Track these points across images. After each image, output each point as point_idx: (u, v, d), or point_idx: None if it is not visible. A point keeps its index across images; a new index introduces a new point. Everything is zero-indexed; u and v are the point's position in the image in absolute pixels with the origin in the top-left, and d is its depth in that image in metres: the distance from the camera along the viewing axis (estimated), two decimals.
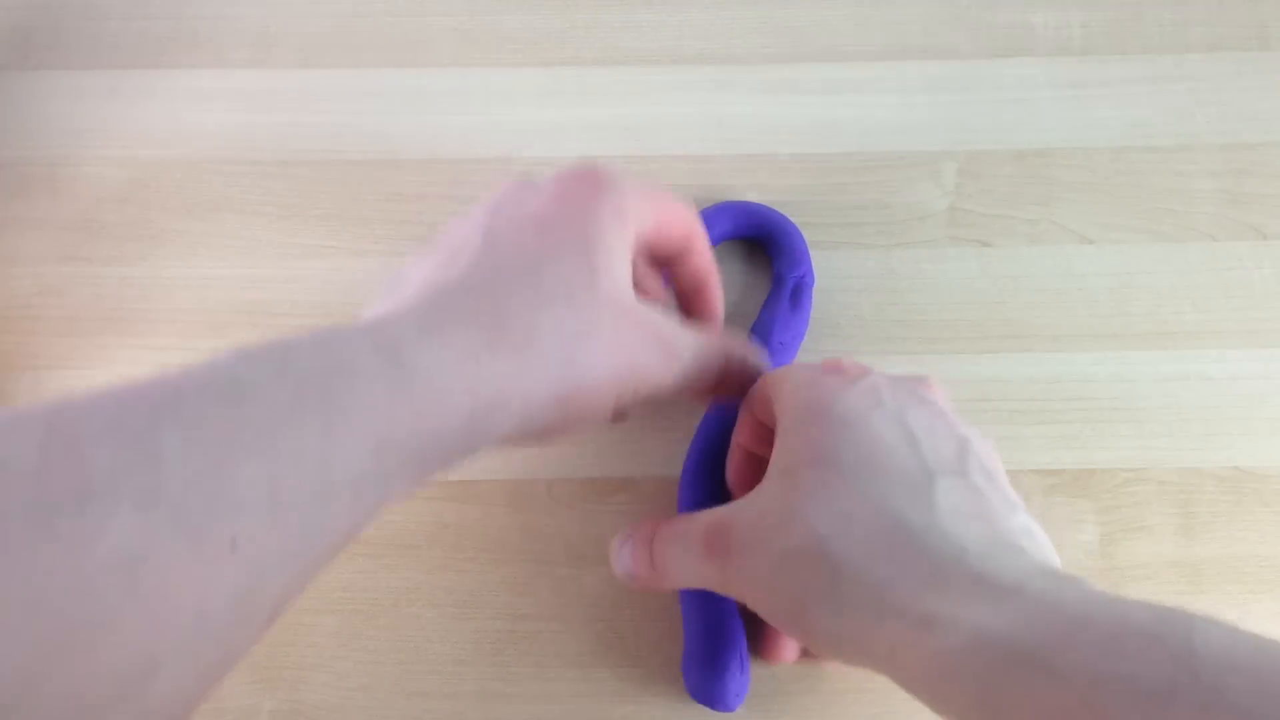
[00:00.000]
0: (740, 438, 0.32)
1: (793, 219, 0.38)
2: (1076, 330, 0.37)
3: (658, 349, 0.27)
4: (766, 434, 0.30)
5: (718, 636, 0.31)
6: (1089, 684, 0.18)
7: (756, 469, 0.31)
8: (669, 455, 0.35)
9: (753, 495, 0.27)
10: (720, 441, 0.35)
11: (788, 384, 0.28)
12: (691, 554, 0.27)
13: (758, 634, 0.32)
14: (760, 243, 0.39)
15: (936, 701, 0.21)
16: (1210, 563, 0.34)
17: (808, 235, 0.38)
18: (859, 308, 0.38)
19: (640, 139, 0.41)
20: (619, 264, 0.27)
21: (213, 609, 0.18)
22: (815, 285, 0.37)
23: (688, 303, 0.33)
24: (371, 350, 0.22)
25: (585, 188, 0.28)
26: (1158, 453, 0.36)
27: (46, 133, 0.41)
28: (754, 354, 0.31)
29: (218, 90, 0.42)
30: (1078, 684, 0.18)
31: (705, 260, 0.32)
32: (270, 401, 0.20)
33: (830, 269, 0.38)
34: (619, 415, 0.28)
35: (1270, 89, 0.42)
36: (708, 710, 0.31)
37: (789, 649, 0.31)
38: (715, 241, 0.38)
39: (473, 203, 0.40)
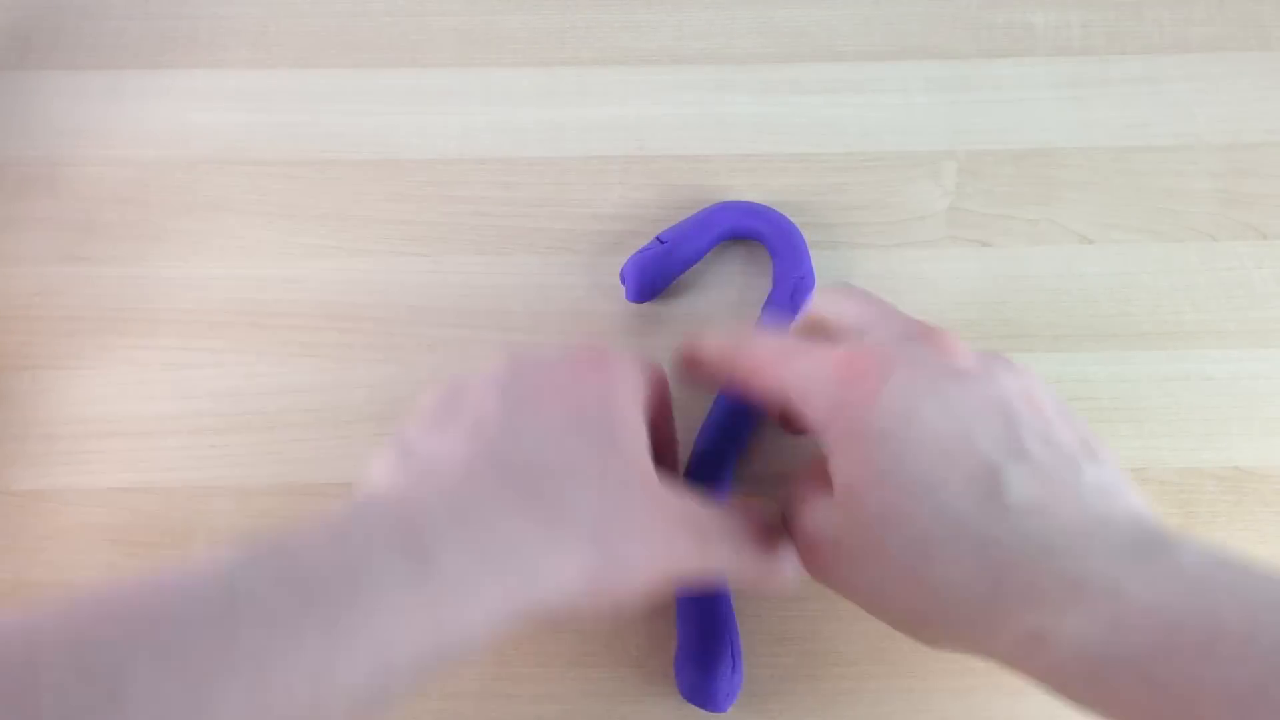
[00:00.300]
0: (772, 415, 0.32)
1: (793, 219, 0.38)
2: (1076, 330, 0.37)
3: (692, 537, 0.26)
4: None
5: (711, 638, 0.31)
6: (1185, 690, 0.19)
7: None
8: None
9: (826, 512, 0.26)
10: (731, 424, 0.35)
11: (804, 384, 0.27)
12: (795, 543, 0.28)
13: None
14: (760, 242, 0.39)
15: (1059, 697, 0.22)
16: None
17: (808, 235, 0.38)
18: None
19: (640, 139, 0.41)
20: (641, 443, 0.26)
21: None
22: (816, 286, 0.37)
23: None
24: (393, 542, 0.21)
25: (597, 368, 0.27)
26: (1158, 453, 0.36)
27: (46, 133, 0.41)
28: (772, 513, 0.30)
29: (218, 90, 0.42)
30: (1175, 690, 0.19)
31: (671, 419, 0.32)
32: (267, 615, 0.18)
33: (830, 269, 0.38)
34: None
35: (1270, 89, 0.41)
36: (703, 711, 0.31)
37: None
38: (715, 241, 0.38)
39: (472, 202, 0.40)
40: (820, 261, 0.38)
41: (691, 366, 0.31)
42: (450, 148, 0.41)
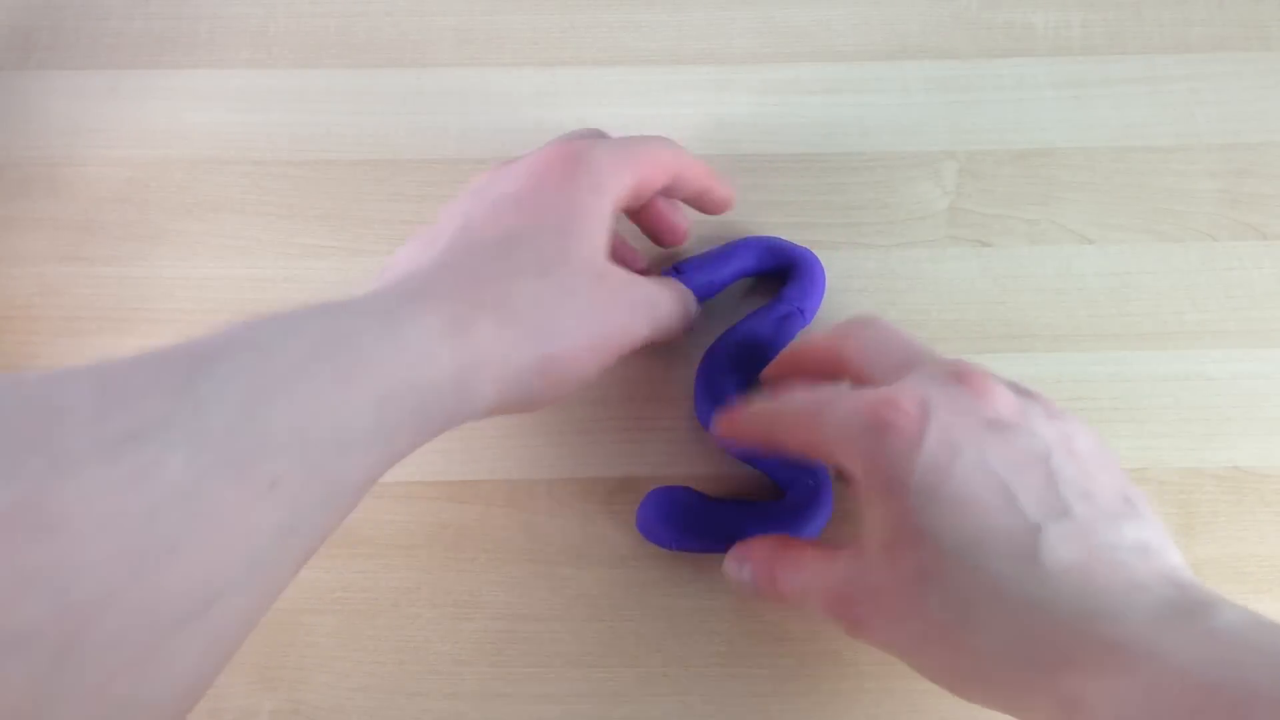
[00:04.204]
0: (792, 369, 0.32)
1: (793, 219, 0.38)
2: (1076, 330, 0.37)
3: (632, 309, 0.30)
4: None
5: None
6: None
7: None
8: (669, 455, 0.35)
9: (861, 565, 0.26)
10: (739, 343, 0.35)
11: (838, 435, 0.27)
12: (816, 605, 0.27)
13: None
14: (780, 274, 0.38)
15: None
16: (1210, 563, 0.34)
17: (807, 235, 0.38)
18: (859, 308, 0.38)
19: None
20: (595, 235, 0.29)
21: (260, 545, 0.20)
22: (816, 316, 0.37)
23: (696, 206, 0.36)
24: (369, 317, 0.24)
25: (561, 168, 0.29)
26: (1158, 453, 0.36)
27: (46, 133, 0.41)
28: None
29: (218, 90, 0.42)
30: None
31: (697, 185, 0.34)
32: (289, 360, 0.22)
33: (830, 269, 0.38)
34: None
35: (1270, 89, 0.42)
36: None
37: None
38: (734, 276, 0.37)
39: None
40: (820, 261, 0.38)
41: (729, 437, 0.31)
42: (450, 148, 0.41)
